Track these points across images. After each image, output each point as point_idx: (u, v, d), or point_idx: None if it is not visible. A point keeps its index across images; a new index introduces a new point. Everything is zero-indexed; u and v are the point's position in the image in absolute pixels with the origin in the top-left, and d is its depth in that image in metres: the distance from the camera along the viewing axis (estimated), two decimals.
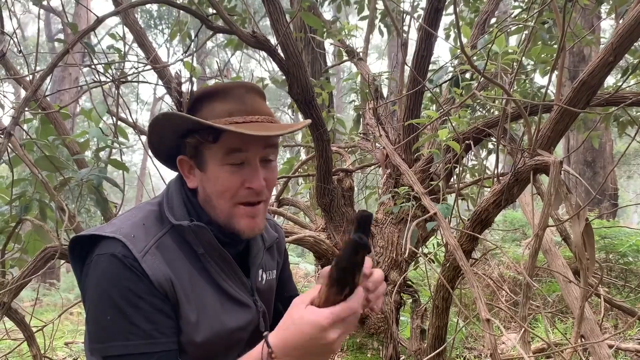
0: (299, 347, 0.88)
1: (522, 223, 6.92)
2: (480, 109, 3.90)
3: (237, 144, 1.06)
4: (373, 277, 1.00)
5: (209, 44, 19.18)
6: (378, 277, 1.01)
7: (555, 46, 3.00)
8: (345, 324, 0.87)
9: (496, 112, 3.34)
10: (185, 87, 1.13)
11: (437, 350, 2.20)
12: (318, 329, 0.85)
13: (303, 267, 8.48)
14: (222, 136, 1.06)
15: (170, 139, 1.13)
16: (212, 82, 3.49)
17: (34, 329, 2.28)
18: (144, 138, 3.50)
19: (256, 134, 1.01)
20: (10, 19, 2.42)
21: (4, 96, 2.61)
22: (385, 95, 4.09)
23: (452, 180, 3.16)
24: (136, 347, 0.99)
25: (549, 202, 1.73)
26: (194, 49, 2.87)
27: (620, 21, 1.85)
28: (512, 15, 3.58)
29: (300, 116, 2.76)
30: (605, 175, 8.18)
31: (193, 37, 2.72)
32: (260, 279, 1.26)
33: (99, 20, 2.29)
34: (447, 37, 4.71)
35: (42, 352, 2.31)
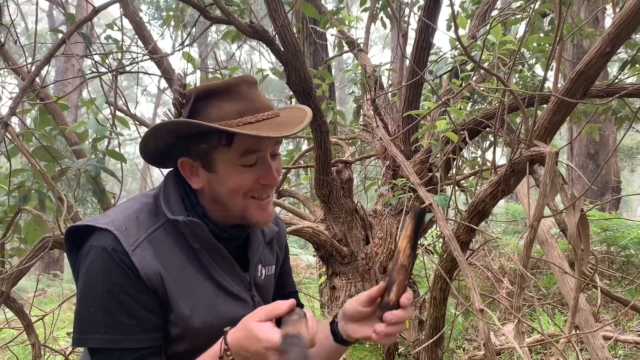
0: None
1: (524, 215, 6.89)
2: (481, 102, 3.88)
3: (254, 145, 1.06)
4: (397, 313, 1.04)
5: (214, 36, 19.11)
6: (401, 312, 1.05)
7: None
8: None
9: (496, 104, 3.32)
10: (186, 82, 1.10)
11: (432, 340, 2.21)
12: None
13: (305, 258, 8.49)
14: (236, 138, 1.04)
15: (166, 141, 1.11)
16: (211, 75, 3.49)
17: (34, 319, 2.30)
18: (142, 130, 3.51)
19: (276, 135, 1.01)
20: (7, 8, 2.42)
21: (2, 87, 2.62)
22: (385, 86, 4.07)
23: (451, 171, 3.15)
24: (116, 342, 1.00)
25: (544, 192, 1.72)
26: (192, 40, 2.87)
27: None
28: (514, 6, 3.55)
29: None
30: (605, 166, 8.15)
31: (190, 28, 2.71)
32: (259, 274, 1.25)
33: (96, 10, 2.29)
34: (449, 28, 4.68)
35: (43, 341, 2.33)
